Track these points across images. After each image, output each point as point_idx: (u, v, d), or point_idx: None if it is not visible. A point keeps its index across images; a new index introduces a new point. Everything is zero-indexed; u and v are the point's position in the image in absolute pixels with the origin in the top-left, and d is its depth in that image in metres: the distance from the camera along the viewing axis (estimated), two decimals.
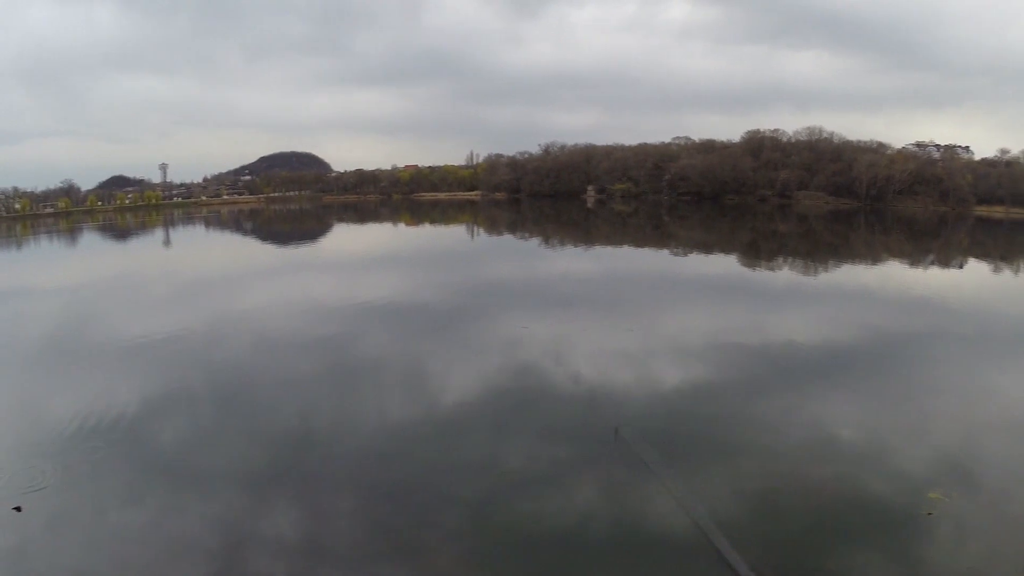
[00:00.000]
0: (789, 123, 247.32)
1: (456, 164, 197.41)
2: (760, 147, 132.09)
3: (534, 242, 63.02)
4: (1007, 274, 43.07)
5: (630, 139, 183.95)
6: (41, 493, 11.46)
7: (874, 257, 51.22)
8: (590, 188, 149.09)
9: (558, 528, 10.21)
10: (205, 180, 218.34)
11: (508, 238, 69.94)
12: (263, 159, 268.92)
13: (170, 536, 10.08)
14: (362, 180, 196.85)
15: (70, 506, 11.00)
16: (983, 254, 55.12)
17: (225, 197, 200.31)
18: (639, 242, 62.79)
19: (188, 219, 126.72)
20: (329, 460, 12.86)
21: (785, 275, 37.58)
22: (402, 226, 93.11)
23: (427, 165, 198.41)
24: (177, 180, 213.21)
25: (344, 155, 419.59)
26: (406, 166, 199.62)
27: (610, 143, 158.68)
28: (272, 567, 9.43)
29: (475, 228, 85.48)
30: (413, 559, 9.62)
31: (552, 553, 9.68)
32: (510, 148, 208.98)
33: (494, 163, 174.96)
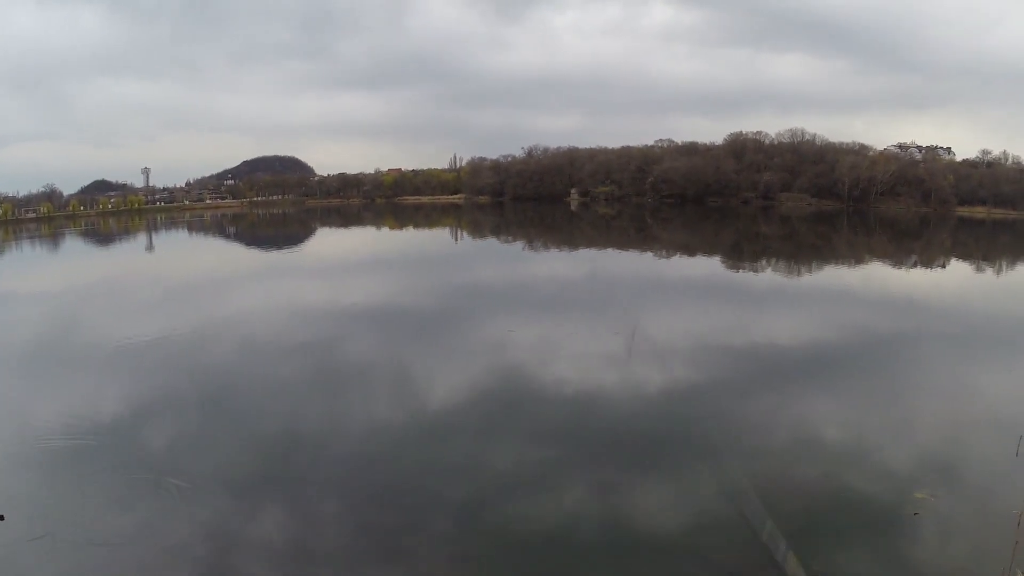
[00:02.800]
0: (772, 125, 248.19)
1: (439, 168, 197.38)
2: (743, 149, 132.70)
3: (518, 245, 63.00)
4: (989, 274, 43.37)
5: (613, 142, 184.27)
6: (26, 500, 11.34)
7: (857, 258, 51.49)
8: (573, 191, 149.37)
9: (547, 529, 10.19)
10: (188, 184, 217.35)
11: (492, 241, 69.90)
12: (246, 163, 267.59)
13: (158, 541, 9.98)
14: (345, 184, 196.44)
15: (55, 513, 10.88)
16: (965, 254, 55.51)
17: (208, 201, 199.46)
18: (623, 245, 62.89)
19: (171, 223, 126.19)
20: (317, 464, 12.79)
21: (769, 277, 37.69)
22: (386, 230, 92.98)
23: (410, 169, 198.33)
24: (160, 184, 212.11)
25: (327, 159, 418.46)
26: (389, 170, 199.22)
27: (593, 146, 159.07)
28: (261, 571, 9.36)
29: (459, 232, 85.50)
30: (402, 562, 9.57)
31: (541, 554, 9.66)
32: (493, 151, 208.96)
33: (477, 166, 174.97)
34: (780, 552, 9.49)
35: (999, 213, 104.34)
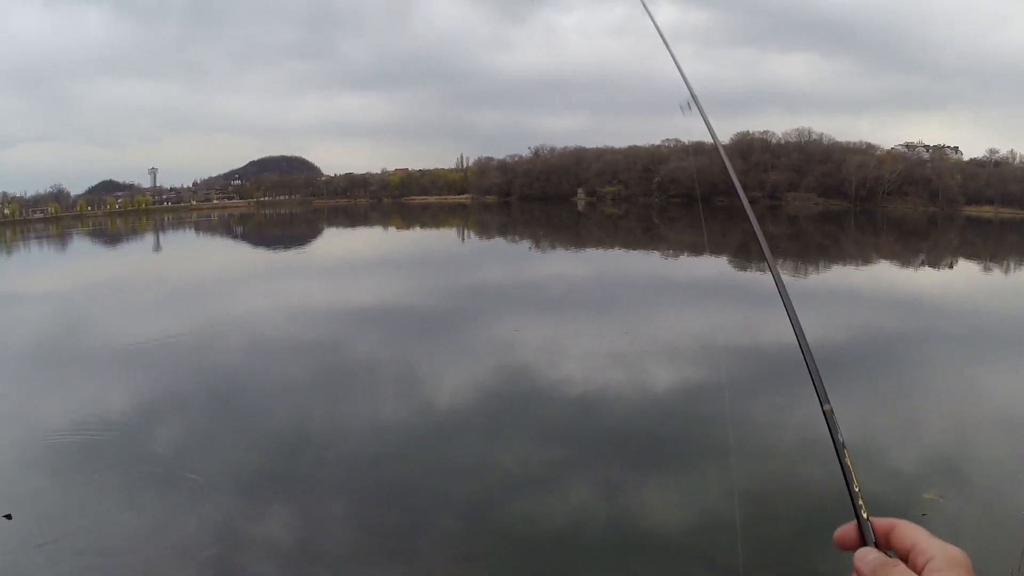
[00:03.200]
0: (778, 125, 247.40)
1: (446, 168, 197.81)
2: (750, 149, 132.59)
3: (525, 245, 63.05)
4: (997, 274, 43.26)
5: (619, 142, 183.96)
6: (34, 499, 11.37)
7: (864, 258, 51.43)
8: (580, 191, 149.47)
9: (552, 529, 10.18)
10: (195, 185, 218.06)
11: (499, 241, 69.96)
12: (253, 163, 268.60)
13: (164, 541, 10.00)
14: (352, 184, 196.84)
15: (62, 513, 10.91)
16: (973, 254, 55.41)
17: (215, 202, 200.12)
18: (630, 245, 62.88)
19: (178, 224, 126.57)
20: (323, 464, 12.80)
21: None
22: (392, 230, 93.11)
23: (417, 169, 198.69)
24: (167, 185, 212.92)
25: (334, 159, 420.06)
26: (396, 170, 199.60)
27: (600, 146, 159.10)
28: (268, 569, 9.37)
29: (466, 232, 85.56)
30: (407, 561, 9.57)
31: (547, 554, 9.65)
32: (500, 151, 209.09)
33: (484, 166, 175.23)
34: (786, 553, 9.48)
35: (1007, 213, 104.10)
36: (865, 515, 1.19)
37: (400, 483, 11.98)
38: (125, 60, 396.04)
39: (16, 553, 9.80)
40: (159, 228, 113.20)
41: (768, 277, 1.97)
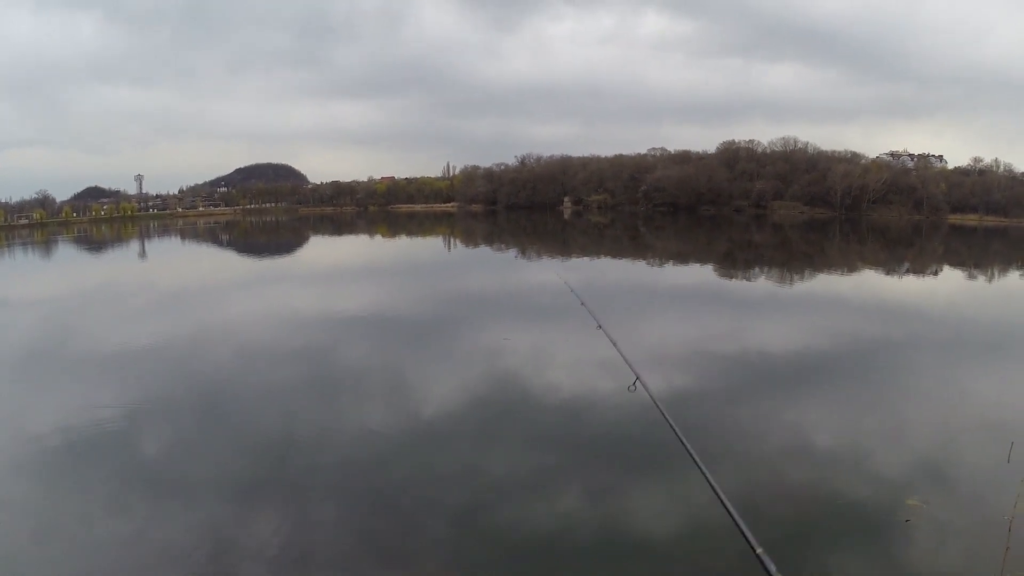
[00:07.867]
0: (764, 134, 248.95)
1: (432, 176, 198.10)
2: (735, 158, 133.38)
3: (511, 253, 63.05)
4: (981, 281, 43.55)
5: (606, 150, 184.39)
6: (19, 506, 11.34)
7: (849, 266, 51.66)
8: (567, 199, 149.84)
9: (542, 536, 10.22)
10: (181, 192, 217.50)
11: (485, 250, 69.94)
12: (239, 170, 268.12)
13: (153, 547, 9.99)
14: (338, 192, 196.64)
15: (49, 519, 10.88)
16: (957, 262, 55.78)
17: (201, 209, 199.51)
18: (616, 253, 62.98)
19: (164, 231, 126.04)
20: (312, 470, 12.80)
21: (761, 284, 37.75)
22: (379, 238, 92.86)
23: (403, 177, 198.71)
24: (153, 191, 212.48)
25: (321, 167, 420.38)
26: (382, 178, 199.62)
27: (586, 154, 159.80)
28: (258, 575, 9.39)
29: (452, 240, 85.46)
30: (398, 567, 9.60)
31: (536, 559, 9.69)
32: (486, 160, 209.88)
33: (470, 175, 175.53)
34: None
35: (991, 220, 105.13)
36: None
37: (389, 490, 11.98)
38: (117, 65, 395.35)
39: (2, 559, 9.79)
40: (144, 235, 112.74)
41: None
